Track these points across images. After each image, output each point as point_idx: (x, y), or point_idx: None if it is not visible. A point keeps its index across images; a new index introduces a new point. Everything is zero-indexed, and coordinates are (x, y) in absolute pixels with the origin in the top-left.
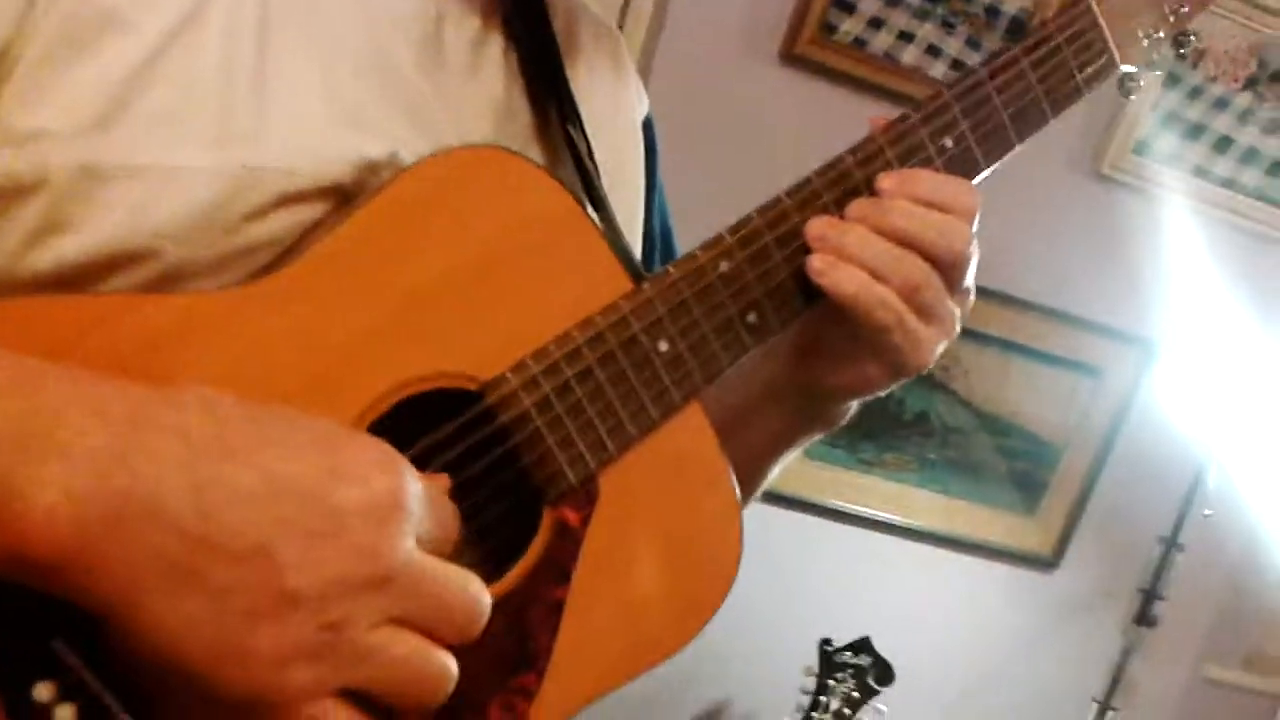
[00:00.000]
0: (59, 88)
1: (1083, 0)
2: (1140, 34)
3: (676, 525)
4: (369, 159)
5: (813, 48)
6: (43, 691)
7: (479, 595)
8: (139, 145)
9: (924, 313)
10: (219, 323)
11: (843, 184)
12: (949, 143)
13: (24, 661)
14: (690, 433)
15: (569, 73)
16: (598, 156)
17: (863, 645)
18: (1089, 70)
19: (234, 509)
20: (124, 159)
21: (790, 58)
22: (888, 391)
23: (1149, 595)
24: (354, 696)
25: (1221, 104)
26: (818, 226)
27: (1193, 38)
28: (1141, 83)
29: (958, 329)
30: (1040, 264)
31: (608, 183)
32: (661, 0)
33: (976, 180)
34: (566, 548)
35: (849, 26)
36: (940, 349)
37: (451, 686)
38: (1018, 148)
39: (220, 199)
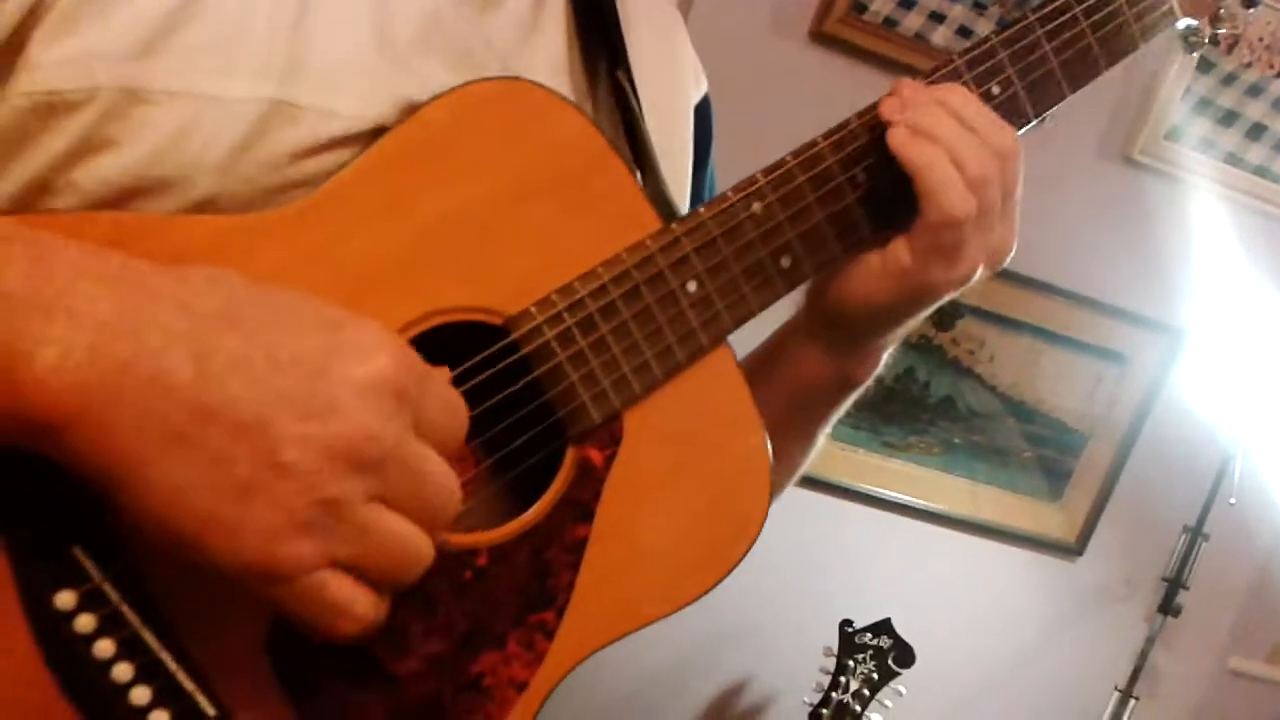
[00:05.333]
0: (109, 14)
1: None
2: None
3: (703, 470)
4: (413, 101)
5: (842, 26)
6: (64, 599)
7: (455, 490)
8: (181, 72)
9: (982, 214)
10: (244, 245)
11: (881, 126)
12: (995, 89)
13: (46, 568)
14: (719, 377)
15: (627, 44)
16: (651, 126)
17: (883, 627)
18: (1147, 19)
19: (234, 379)
20: (165, 84)
21: (820, 36)
22: (911, 320)
23: (1173, 585)
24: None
25: (1255, 90)
26: (891, 104)
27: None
28: (1206, 39)
29: (998, 260)
30: (1068, 249)
31: (657, 153)
32: None
33: (1023, 132)
34: (590, 486)
35: (879, 6)
36: (975, 272)
37: (426, 567)
38: (1070, 97)
39: (256, 132)
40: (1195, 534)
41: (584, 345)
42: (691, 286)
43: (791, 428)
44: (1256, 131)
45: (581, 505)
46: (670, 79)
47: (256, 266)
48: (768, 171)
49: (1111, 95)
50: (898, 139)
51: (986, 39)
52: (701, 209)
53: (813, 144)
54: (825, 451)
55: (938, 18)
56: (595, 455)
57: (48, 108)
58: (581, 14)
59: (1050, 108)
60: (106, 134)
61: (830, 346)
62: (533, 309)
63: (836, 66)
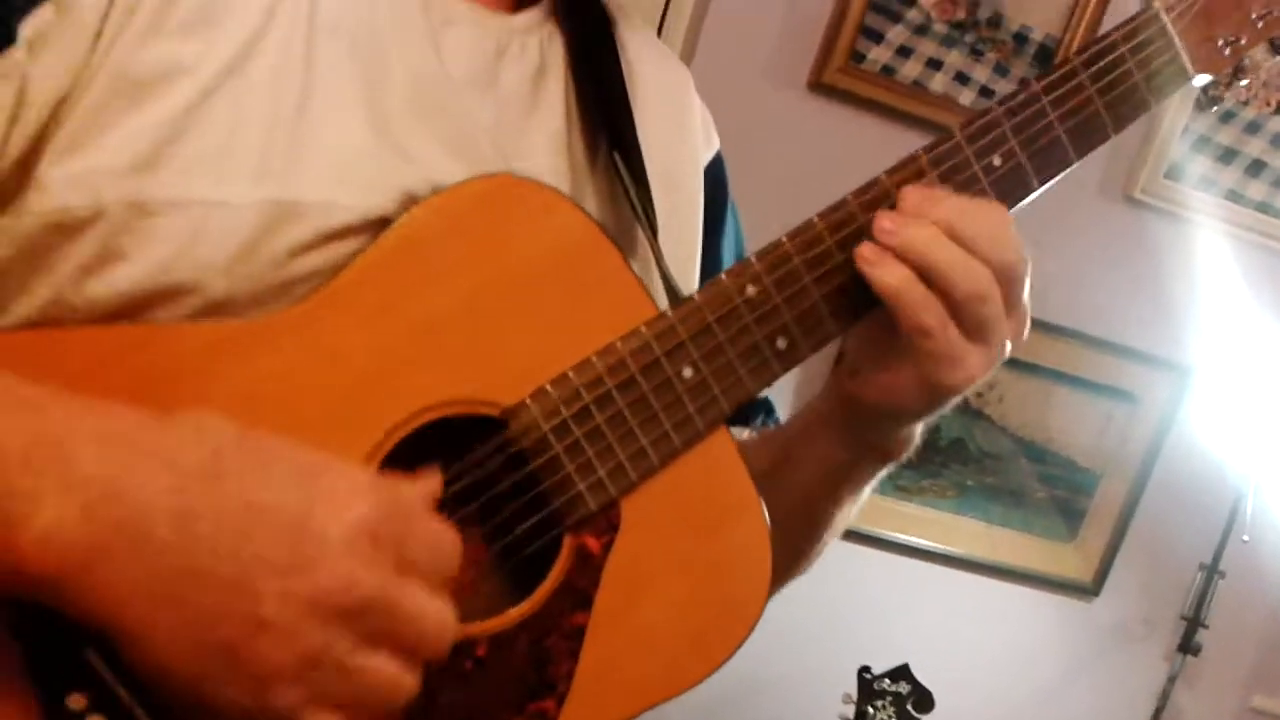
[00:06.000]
0: (113, 130)
1: (1150, 7)
2: (1220, 41)
3: (702, 555)
4: (410, 192)
5: (841, 76)
6: (76, 701)
7: (446, 622)
8: (182, 182)
9: (977, 328)
10: (242, 351)
11: (881, 205)
12: (997, 160)
13: (59, 670)
14: (717, 460)
15: (634, 106)
16: (655, 195)
17: (902, 672)
18: (1157, 80)
19: (216, 538)
20: (170, 195)
21: (819, 86)
22: (932, 415)
23: (1192, 623)
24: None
25: (1253, 127)
26: (886, 219)
27: None
28: (1226, 94)
29: (1006, 353)
30: (1072, 289)
31: (663, 222)
32: (693, 28)
33: (1029, 199)
34: (588, 574)
35: (877, 54)
36: (985, 372)
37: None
38: (1075, 165)
39: (261, 232)
40: (1211, 572)
41: (579, 436)
42: (687, 373)
43: (815, 512)
44: (1256, 168)
45: (580, 593)
46: (679, 140)
47: (256, 372)
48: (762, 255)
49: None
50: (865, 257)
51: (989, 109)
52: (696, 294)
53: (809, 224)
54: None
55: (935, 64)
56: (593, 543)
57: (58, 226)
58: (584, 82)
59: (1055, 175)
60: (117, 247)
61: (852, 431)
62: (528, 401)
63: (836, 115)
